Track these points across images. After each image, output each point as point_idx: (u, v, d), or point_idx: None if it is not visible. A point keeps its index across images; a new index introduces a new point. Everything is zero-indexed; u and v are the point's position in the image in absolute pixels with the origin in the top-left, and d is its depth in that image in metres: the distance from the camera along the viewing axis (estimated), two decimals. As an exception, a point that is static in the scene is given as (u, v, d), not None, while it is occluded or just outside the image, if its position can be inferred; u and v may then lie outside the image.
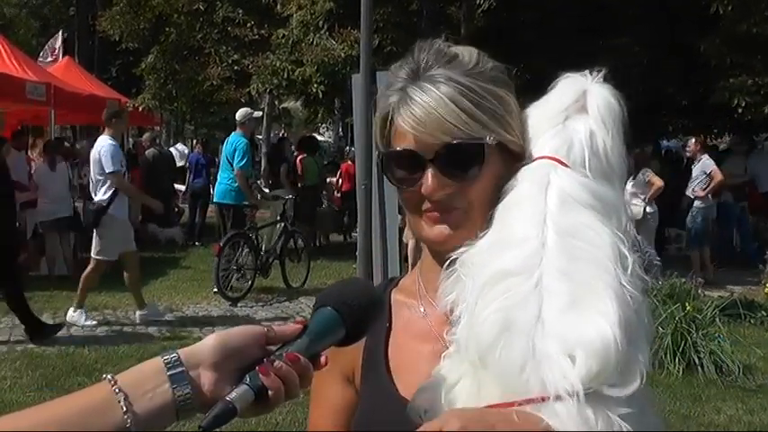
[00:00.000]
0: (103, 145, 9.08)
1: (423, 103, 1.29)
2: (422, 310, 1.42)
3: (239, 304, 10.64)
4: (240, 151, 11.35)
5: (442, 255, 1.35)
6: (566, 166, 1.28)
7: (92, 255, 9.25)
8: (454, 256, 1.27)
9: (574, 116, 1.31)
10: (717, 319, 7.95)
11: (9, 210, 8.84)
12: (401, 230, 11.03)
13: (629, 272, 1.16)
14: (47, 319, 9.56)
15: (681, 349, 7.42)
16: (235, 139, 11.60)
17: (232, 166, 11.42)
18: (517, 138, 1.33)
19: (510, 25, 14.22)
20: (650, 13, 14.03)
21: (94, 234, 9.19)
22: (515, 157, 1.34)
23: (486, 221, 1.29)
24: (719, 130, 19.20)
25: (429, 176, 1.31)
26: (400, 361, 1.39)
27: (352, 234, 15.76)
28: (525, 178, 1.29)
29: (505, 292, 1.16)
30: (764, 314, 9.58)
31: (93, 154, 9.21)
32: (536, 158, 1.31)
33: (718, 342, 7.62)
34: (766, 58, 12.79)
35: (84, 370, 7.45)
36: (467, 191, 1.32)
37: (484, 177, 1.32)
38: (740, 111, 13.10)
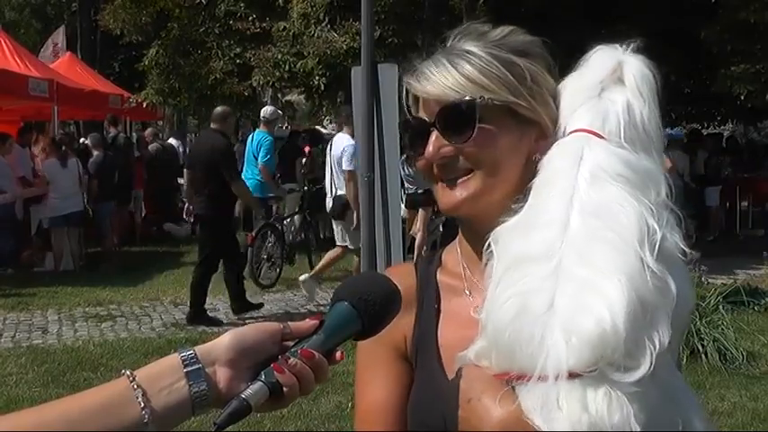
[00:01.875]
0: (347, 144, 9.90)
1: (428, 73, 1.35)
2: (468, 292, 1.43)
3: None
4: (265, 148, 11.88)
5: (473, 231, 1.38)
6: (601, 137, 1.28)
7: (338, 244, 10.39)
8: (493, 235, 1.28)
9: (610, 87, 1.32)
10: (720, 307, 7.94)
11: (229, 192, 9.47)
12: (404, 221, 11.09)
13: (656, 248, 1.15)
14: (52, 315, 9.63)
15: (684, 337, 7.42)
16: (260, 136, 12.06)
17: (257, 161, 11.82)
18: (529, 104, 1.34)
19: (511, 14, 14.20)
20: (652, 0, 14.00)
21: (335, 224, 10.36)
22: (530, 124, 1.35)
23: (516, 190, 1.31)
24: (722, 118, 19.18)
25: (431, 140, 1.35)
26: (450, 347, 1.38)
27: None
28: (559, 153, 1.29)
29: (524, 276, 1.17)
30: (768, 301, 9.57)
31: (336, 151, 10.14)
32: (571, 132, 1.31)
33: (722, 329, 7.61)
34: (766, 45, 12.74)
35: (89, 365, 7.48)
36: (466, 152, 1.34)
37: (486, 139, 1.33)
38: (742, 98, 13.08)
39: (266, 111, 12.23)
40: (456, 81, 1.32)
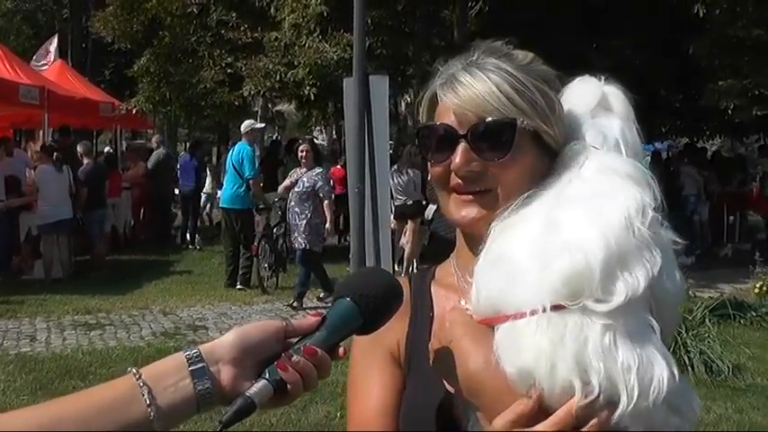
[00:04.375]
0: None
1: (466, 83, 1.34)
2: (463, 303, 1.42)
3: (232, 307, 10.70)
4: (248, 160, 11.78)
5: (474, 243, 1.38)
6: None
7: None
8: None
9: (601, 114, 1.38)
10: (707, 320, 8.01)
11: None
12: (394, 233, 11.14)
13: (648, 219, 1.20)
14: (40, 323, 9.60)
15: (671, 350, 7.35)
16: (241, 148, 11.99)
17: (238, 173, 11.75)
18: (555, 134, 1.36)
19: (502, 28, 14.27)
20: (642, 14, 14.10)
21: None
22: (552, 154, 1.37)
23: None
24: (711, 132, 19.31)
25: (459, 151, 1.34)
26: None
27: (347, 237, 15.81)
28: (565, 156, 1.34)
29: (513, 232, 1.23)
30: (754, 314, 9.63)
31: None
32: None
33: (708, 342, 7.66)
34: (754, 60, 12.86)
35: (78, 373, 7.46)
36: (494, 171, 1.34)
37: (514, 161, 1.34)
38: (729, 113, 13.19)
39: (245, 124, 12.32)
40: (498, 98, 1.33)
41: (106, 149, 18.24)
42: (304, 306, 10.62)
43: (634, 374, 1.13)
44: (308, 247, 10.44)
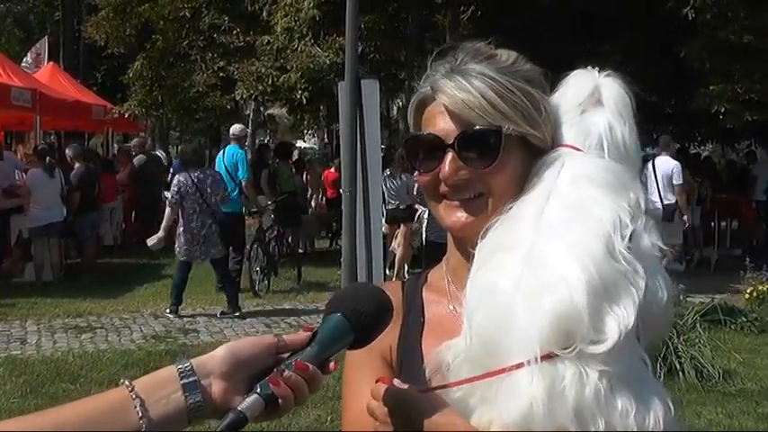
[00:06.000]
0: (675, 164, 12.08)
1: (450, 93, 1.35)
2: (451, 307, 1.46)
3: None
4: (242, 164, 11.82)
5: (464, 247, 1.39)
6: (581, 152, 1.34)
7: None
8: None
9: (590, 109, 1.37)
10: (698, 325, 8.02)
11: None
12: (385, 237, 11.13)
13: (626, 239, 1.20)
14: (31, 326, 9.57)
15: (662, 354, 7.46)
16: (234, 151, 11.98)
17: (231, 176, 11.70)
18: (543, 135, 1.37)
19: (494, 33, 14.30)
20: (637, 16, 14.14)
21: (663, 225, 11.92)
22: (537, 152, 1.37)
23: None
24: (702, 138, 19.35)
25: (447, 160, 1.36)
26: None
27: (339, 241, 15.78)
28: (542, 166, 1.34)
29: (498, 263, 1.23)
30: (744, 320, 9.66)
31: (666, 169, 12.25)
32: (554, 148, 1.37)
33: (699, 347, 7.68)
34: (745, 66, 12.91)
35: (68, 377, 7.44)
36: (483, 177, 1.36)
37: (502, 166, 1.35)
38: (721, 117, 13.24)
39: (235, 128, 12.34)
40: (482, 106, 1.33)
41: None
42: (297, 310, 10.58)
43: (632, 419, 1.12)
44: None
